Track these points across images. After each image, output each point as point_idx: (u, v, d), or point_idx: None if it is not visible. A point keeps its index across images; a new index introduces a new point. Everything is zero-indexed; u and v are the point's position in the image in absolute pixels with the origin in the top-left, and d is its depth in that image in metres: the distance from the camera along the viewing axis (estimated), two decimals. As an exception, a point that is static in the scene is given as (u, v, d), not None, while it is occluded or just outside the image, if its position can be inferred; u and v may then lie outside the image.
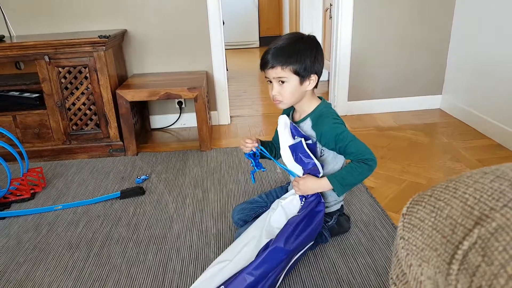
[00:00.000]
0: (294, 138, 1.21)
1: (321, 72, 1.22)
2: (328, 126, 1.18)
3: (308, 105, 1.24)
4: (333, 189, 1.19)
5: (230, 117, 2.62)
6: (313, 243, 1.30)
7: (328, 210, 1.31)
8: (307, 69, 1.16)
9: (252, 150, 1.29)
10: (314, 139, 1.21)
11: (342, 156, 1.25)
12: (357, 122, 2.50)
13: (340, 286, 1.15)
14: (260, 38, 5.62)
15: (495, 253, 0.24)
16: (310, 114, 1.24)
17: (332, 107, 1.27)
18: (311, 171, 1.21)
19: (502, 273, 0.23)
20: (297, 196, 1.25)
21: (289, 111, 1.33)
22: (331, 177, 1.18)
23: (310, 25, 3.72)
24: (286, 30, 5.13)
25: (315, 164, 1.19)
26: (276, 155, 1.39)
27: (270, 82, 1.20)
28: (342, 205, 1.36)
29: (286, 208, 1.25)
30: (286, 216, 1.22)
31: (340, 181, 1.17)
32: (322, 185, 1.19)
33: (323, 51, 1.22)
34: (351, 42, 2.47)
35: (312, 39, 1.20)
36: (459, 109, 2.45)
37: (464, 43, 2.37)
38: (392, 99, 2.64)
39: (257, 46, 5.63)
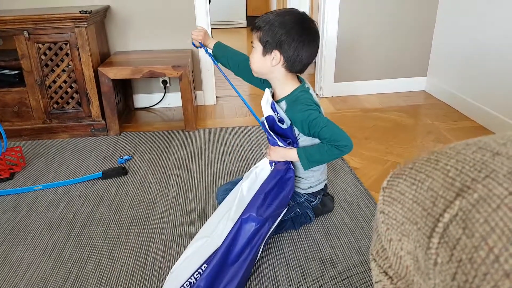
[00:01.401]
0: (274, 112, 1.20)
1: (297, 58, 1.13)
2: (301, 114, 1.16)
3: (282, 87, 1.22)
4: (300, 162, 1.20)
5: (216, 97, 2.59)
6: (297, 223, 1.31)
7: (312, 190, 1.31)
8: (274, 42, 1.12)
9: (200, 44, 1.36)
10: (289, 123, 1.19)
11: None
12: (343, 104, 2.50)
13: (324, 265, 1.16)
14: (247, 17, 5.52)
15: (476, 225, 0.23)
16: (285, 97, 1.21)
17: (311, 91, 1.23)
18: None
19: (483, 245, 0.22)
20: (268, 161, 1.25)
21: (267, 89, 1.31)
22: (300, 151, 1.18)
23: (298, 4, 3.66)
24: (274, 9, 5.04)
25: (278, 144, 1.20)
26: (233, 68, 1.40)
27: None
28: (326, 185, 1.36)
29: (259, 175, 1.24)
30: (259, 182, 1.21)
31: (308, 156, 1.17)
32: (290, 155, 1.20)
33: (315, 44, 1.15)
34: (338, 23, 2.43)
35: (308, 24, 1.13)
36: (443, 91, 2.47)
37: (449, 26, 2.36)
38: (378, 80, 2.63)
39: (244, 26, 5.53)
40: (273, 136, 1.19)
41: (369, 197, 1.49)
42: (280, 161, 1.23)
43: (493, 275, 0.21)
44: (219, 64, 1.41)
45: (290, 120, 1.19)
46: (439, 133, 2.04)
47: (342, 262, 1.17)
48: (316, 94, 2.63)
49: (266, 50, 1.14)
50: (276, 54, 1.14)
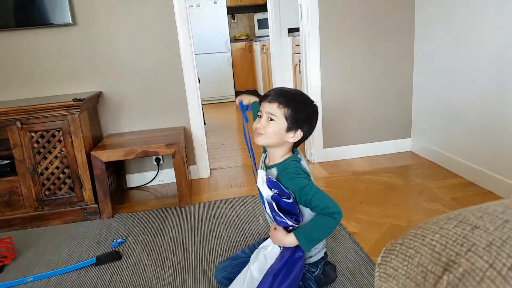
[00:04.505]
0: (272, 189, 1.18)
1: (307, 136, 1.25)
2: (291, 181, 1.19)
3: (280, 156, 1.26)
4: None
5: (210, 170, 2.62)
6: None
7: (312, 260, 1.29)
8: (298, 121, 1.19)
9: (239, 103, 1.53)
10: (293, 195, 1.18)
11: None
12: (334, 168, 2.54)
13: None
14: (235, 92, 5.79)
15: None
16: (277, 164, 1.25)
17: (302, 161, 1.26)
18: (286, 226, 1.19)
19: None
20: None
21: (265, 151, 1.35)
22: (298, 233, 1.16)
23: (282, 80, 3.87)
24: (260, 84, 5.32)
25: (287, 224, 1.17)
26: None
27: (260, 117, 1.22)
28: (325, 253, 1.34)
29: (268, 257, 1.21)
30: (269, 264, 1.18)
31: (307, 236, 1.16)
32: (289, 240, 1.17)
33: (317, 122, 1.27)
34: (321, 93, 2.57)
35: (314, 105, 1.26)
36: (428, 150, 2.54)
37: (426, 87, 2.51)
38: (365, 144, 2.71)
39: (233, 100, 5.78)
40: (282, 216, 1.16)
41: (371, 263, 1.46)
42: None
43: None
44: (246, 128, 1.47)
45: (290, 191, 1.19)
46: (431, 191, 2.06)
47: (351, 337, 1.11)
48: (308, 160, 2.70)
49: (291, 127, 1.20)
50: (299, 132, 1.21)
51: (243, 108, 1.55)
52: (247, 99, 1.55)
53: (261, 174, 1.19)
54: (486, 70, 1.97)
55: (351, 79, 2.60)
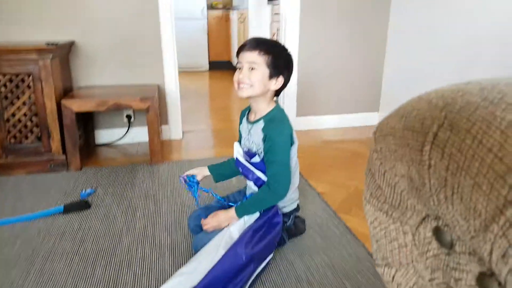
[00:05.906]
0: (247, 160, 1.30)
1: (287, 83, 1.27)
2: (274, 132, 1.23)
3: (265, 107, 1.27)
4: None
5: (183, 132, 2.59)
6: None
7: (285, 210, 1.33)
8: (279, 68, 1.21)
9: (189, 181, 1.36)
10: (262, 155, 1.26)
11: (296, 178, 1.33)
12: (305, 136, 2.59)
13: (300, 284, 1.15)
14: (210, 62, 5.69)
15: (460, 124, 0.27)
16: (264, 116, 1.27)
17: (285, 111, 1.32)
18: (256, 181, 1.29)
19: (468, 136, 0.26)
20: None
21: (245, 112, 1.36)
22: (238, 209, 1.24)
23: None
24: (235, 55, 5.24)
25: (258, 177, 1.27)
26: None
27: (239, 69, 1.22)
28: (298, 205, 1.39)
29: (247, 222, 1.23)
30: (246, 226, 1.21)
31: (245, 212, 1.24)
32: (231, 216, 1.24)
33: (293, 70, 1.29)
34: (298, 63, 2.58)
35: (289, 52, 1.27)
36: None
37: (396, 64, 2.58)
38: (335, 115, 2.79)
39: (207, 69, 5.68)
40: (254, 173, 1.27)
41: (337, 218, 1.52)
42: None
43: (479, 154, 0.25)
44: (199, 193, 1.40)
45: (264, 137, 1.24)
46: (397, 160, 2.16)
47: (317, 279, 1.17)
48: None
49: (273, 74, 1.21)
50: (280, 79, 1.23)
51: (192, 183, 1.36)
52: (197, 171, 1.42)
53: (236, 147, 1.33)
54: (457, 51, 2.05)
55: (328, 51, 2.63)
